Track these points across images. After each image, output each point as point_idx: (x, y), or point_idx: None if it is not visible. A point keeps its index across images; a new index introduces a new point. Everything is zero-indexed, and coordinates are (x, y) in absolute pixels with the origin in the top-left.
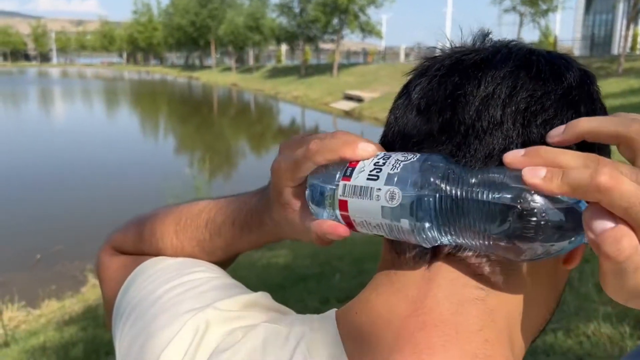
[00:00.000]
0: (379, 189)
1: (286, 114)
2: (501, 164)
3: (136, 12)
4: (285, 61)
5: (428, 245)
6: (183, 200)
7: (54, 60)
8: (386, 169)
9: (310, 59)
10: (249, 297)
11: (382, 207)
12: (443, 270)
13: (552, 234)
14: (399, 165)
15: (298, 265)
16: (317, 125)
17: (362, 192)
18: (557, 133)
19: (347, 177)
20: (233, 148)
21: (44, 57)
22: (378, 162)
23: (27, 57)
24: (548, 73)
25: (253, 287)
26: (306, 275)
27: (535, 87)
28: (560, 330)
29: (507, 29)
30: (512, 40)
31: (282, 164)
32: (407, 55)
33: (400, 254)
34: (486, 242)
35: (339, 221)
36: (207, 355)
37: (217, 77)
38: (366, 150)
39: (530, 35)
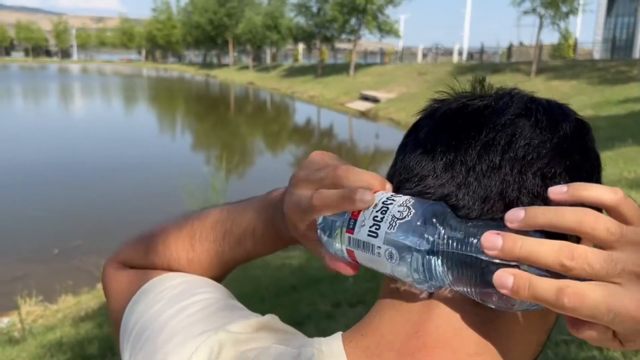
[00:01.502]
0: (379, 247)
1: (302, 113)
2: (497, 207)
3: (155, 10)
4: (302, 60)
5: (430, 291)
6: (198, 198)
7: (74, 56)
8: (384, 227)
9: (327, 58)
10: (259, 320)
11: (384, 261)
12: (443, 298)
13: None
14: (395, 224)
15: (311, 267)
16: (332, 125)
17: (365, 247)
18: (515, 219)
19: (350, 229)
20: (249, 146)
21: (65, 53)
22: (377, 217)
23: (48, 53)
24: (545, 122)
25: (266, 288)
26: (319, 278)
27: (533, 136)
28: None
29: (526, 30)
30: (514, 89)
31: (292, 210)
32: (424, 55)
33: (401, 286)
34: (479, 294)
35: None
36: None
37: (234, 75)
38: (364, 202)
39: (549, 38)
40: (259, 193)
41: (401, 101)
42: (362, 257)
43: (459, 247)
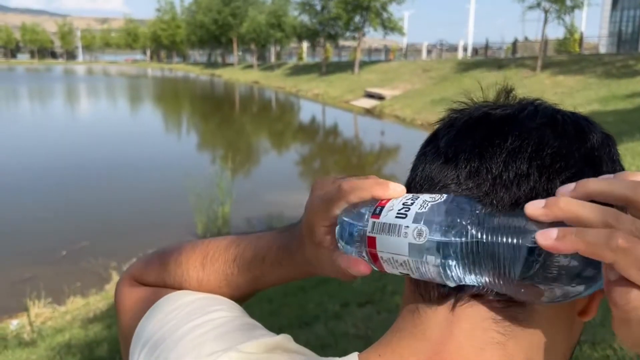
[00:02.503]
0: (407, 227)
1: (307, 111)
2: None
3: (160, 10)
4: (306, 59)
5: (452, 284)
6: (204, 198)
7: (80, 57)
8: (414, 208)
9: (331, 56)
10: (271, 340)
11: (410, 243)
12: (465, 315)
13: (572, 278)
14: (427, 205)
15: None
16: (337, 123)
17: (390, 229)
18: (566, 190)
19: (376, 215)
20: (255, 145)
21: (70, 55)
22: (406, 202)
23: (53, 55)
24: (572, 132)
25: (274, 289)
26: (327, 279)
27: (561, 145)
28: (586, 343)
29: (531, 25)
30: (537, 99)
31: (316, 202)
32: (429, 52)
33: (424, 296)
34: (508, 283)
35: (365, 259)
36: None
37: (239, 74)
38: (396, 190)
39: (555, 32)
40: (264, 193)
41: (406, 98)
42: (384, 242)
43: (493, 234)
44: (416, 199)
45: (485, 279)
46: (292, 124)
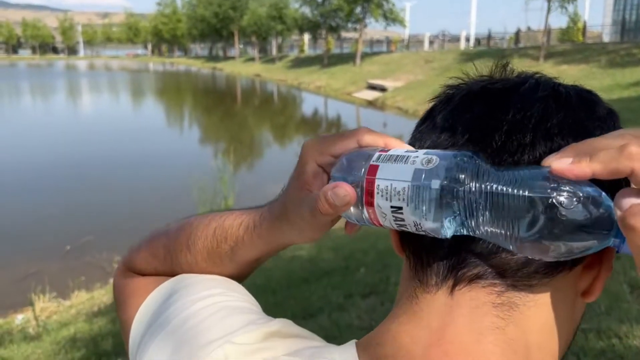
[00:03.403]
0: (417, 156)
1: (309, 104)
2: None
3: (160, 4)
4: (308, 51)
5: (447, 234)
6: (208, 191)
7: (81, 52)
8: (424, 149)
9: (333, 48)
10: (269, 327)
11: (416, 169)
12: (464, 299)
13: (577, 232)
14: (435, 151)
15: (322, 258)
16: (339, 115)
17: (397, 158)
18: (559, 168)
19: (384, 150)
20: (257, 139)
21: (72, 50)
22: (411, 150)
23: (55, 50)
24: (577, 103)
25: (278, 281)
26: (330, 270)
27: (567, 115)
28: (591, 331)
29: (533, 14)
30: (537, 72)
31: (319, 138)
32: (431, 43)
33: (422, 281)
34: (512, 236)
35: (360, 198)
36: None
37: (240, 67)
38: (403, 145)
39: (558, 22)
40: (267, 186)
41: (408, 89)
42: (386, 171)
43: (500, 180)
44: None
45: (486, 229)
46: (295, 117)
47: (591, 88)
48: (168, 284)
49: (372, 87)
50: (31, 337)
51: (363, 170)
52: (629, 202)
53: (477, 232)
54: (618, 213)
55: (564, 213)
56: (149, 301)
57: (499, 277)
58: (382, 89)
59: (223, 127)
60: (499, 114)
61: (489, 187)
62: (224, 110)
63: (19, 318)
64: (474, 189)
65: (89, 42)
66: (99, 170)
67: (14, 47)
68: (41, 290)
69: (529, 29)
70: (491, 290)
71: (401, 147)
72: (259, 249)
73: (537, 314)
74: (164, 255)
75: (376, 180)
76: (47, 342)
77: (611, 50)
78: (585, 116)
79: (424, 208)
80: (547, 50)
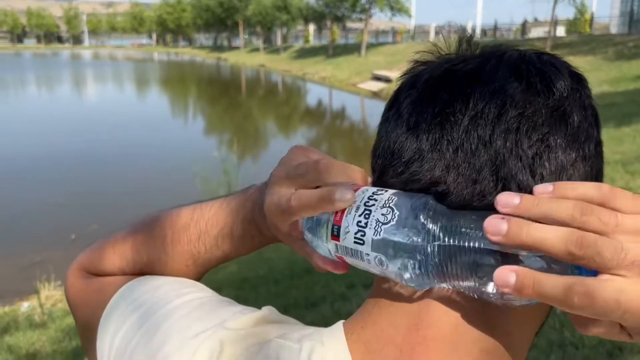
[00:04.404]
0: (368, 254)
1: (314, 95)
2: (488, 189)
3: None
4: (312, 41)
5: (425, 288)
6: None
7: (86, 42)
8: (369, 233)
9: (338, 38)
10: (257, 314)
11: (375, 267)
12: (441, 289)
13: None
14: (381, 230)
15: None
16: (344, 106)
17: (353, 254)
18: (508, 203)
19: (335, 236)
20: (261, 130)
21: (76, 39)
22: (360, 222)
23: (59, 40)
24: (538, 85)
25: (280, 271)
26: None
27: (526, 103)
28: None
29: (541, 5)
30: (502, 46)
31: (272, 209)
32: (437, 33)
33: (396, 284)
34: (476, 291)
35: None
36: None
37: (245, 58)
38: (343, 201)
39: (565, 12)
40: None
41: None
42: (352, 261)
43: (451, 241)
44: (368, 215)
45: (454, 284)
46: (299, 108)
47: (598, 79)
48: (138, 281)
49: (377, 78)
50: (36, 324)
51: (330, 251)
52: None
53: (448, 286)
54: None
55: (521, 263)
56: (120, 299)
57: None
58: (387, 80)
59: (227, 117)
60: (460, 106)
61: (441, 252)
62: (228, 101)
63: (24, 306)
64: (429, 264)
65: (93, 32)
66: (104, 159)
67: (19, 36)
68: (46, 278)
69: (535, 20)
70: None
71: (345, 206)
72: (254, 248)
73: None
74: (132, 256)
75: (349, 263)
76: (52, 330)
77: (618, 41)
78: (545, 100)
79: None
80: (554, 42)
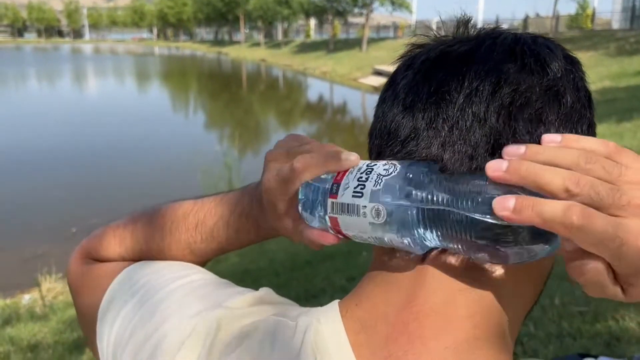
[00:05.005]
0: (365, 206)
1: (314, 90)
2: (484, 164)
3: None
4: (314, 36)
5: (419, 252)
6: (213, 176)
7: (87, 36)
8: (369, 186)
9: (339, 33)
10: (254, 294)
11: (370, 222)
12: (434, 265)
13: (534, 240)
14: (381, 181)
15: None
16: (345, 101)
17: (349, 209)
18: (497, 167)
19: (333, 194)
20: (262, 124)
21: (77, 34)
22: (361, 178)
23: (60, 34)
24: (532, 65)
25: (281, 263)
26: (333, 253)
27: (520, 81)
28: (588, 313)
29: (542, 1)
30: (496, 28)
31: (272, 182)
32: (439, 29)
33: (392, 254)
34: (471, 249)
35: (331, 232)
36: (221, 352)
37: (245, 52)
38: (349, 160)
39: (566, 8)
40: None
41: None
42: (346, 222)
43: (449, 201)
44: (370, 172)
45: (449, 245)
46: (300, 103)
47: (599, 75)
48: (139, 265)
49: (379, 73)
50: (38, 316)
51: (326, 220)
52: (571, 245)
53: (442, 245)
54: (562, 250)
55: (515, 225)
56: (120, 282)
57: None
58: (389, 75)
59: (228, 112)
60: (455, 84)
61: (441, 207)
62: (229, 95)
63: (26, 298)
64: (427, 217)
65: (94, 26)
66: (105, 153)
67: (19, 30)
68: (47, 271)
69: (537, 15)
70: (461, 254)
71: (343, 168)
72: (251, 243)
73: (506, 272)
74: (132, 244)
75: (343, 230)
76: (53, 321)
77: (620, 37)
78: (539, 79)
79: (393, 246)
80: (555, 37)
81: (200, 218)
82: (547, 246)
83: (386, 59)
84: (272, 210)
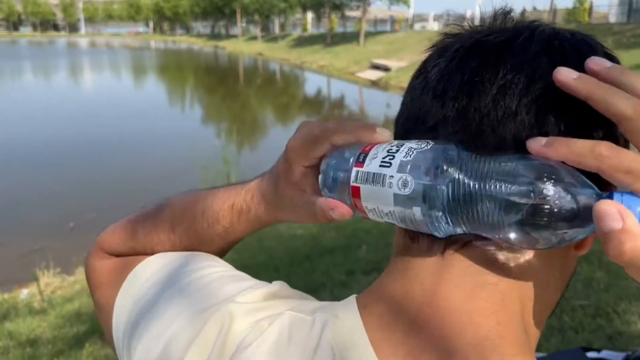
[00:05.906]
0: (392, 176)
1: (312, 84)
2: (515, 151)
3: None
4: (311, 30)
5: (441, 235)
6: (211, 171)
7: (82, 30)
8: (399, 156)
9: (336, 27)
10: (268, 288)
11: (395, 194)
12: (456, 258)
13: (565, 223)
14: (412, 153)
15: (325, 236)
16: (342, 95)
17: (374, 178)
18: (536, 147)
19: (360, 163)
20: (260, 118)
21: (72, 27)
22: (391, 150)
23: (55, 27)
24: (572, 59)
25: (280, 258)
26: (333, 247)
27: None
28: (590, 307)
29: None
30: (534, 21)
31: (299, 141)
32: (472, 19)
33: (414, 241)
34: (500, 232)
35: (348, 204)
36: (234, 348)
37: (242, 46)
38: (383, 134)
39: (564, 1)
40: (270, 164)
41: (412, 69)
42: (368, 193)
43: (481, 180)
44: (401, 145)
45: (474, 230)
46: (298, 97)
47: None
48: (151, 259)
49: (376, 67)
50: (36, 311)
51: (347, 190)
52: (608, 225)
53: (468, 230)
54: (598, 230)
55: (546, 206)
56: (133, 278)
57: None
58: (386, 69)
59: (225, 106)
60: (489, 75)
61: (472, 185)
62: (226, 89)
63: (24, 293)
64: (456, 194)
65: (90, 20)
66: (102, 148)
67: (14, 24)
68: (45, 266)
69: (534, 9)
70: (483, 249)
71: (375, 140)
72: (254, 228)
73: (530, 268)
74: (143, 236)
75: (363, 202)
76: (52, 316)
77: (617, 31)
78: None
79: (412, 226)
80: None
81: (208, 204)
82: (574, 231)
83: (384, 52)
84: (287, 175)
